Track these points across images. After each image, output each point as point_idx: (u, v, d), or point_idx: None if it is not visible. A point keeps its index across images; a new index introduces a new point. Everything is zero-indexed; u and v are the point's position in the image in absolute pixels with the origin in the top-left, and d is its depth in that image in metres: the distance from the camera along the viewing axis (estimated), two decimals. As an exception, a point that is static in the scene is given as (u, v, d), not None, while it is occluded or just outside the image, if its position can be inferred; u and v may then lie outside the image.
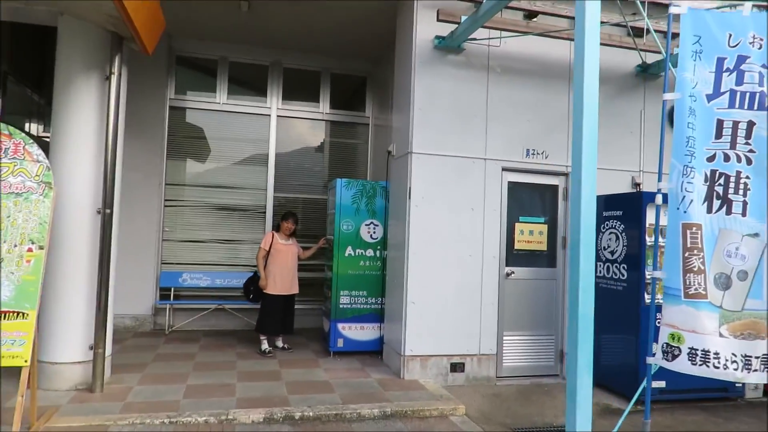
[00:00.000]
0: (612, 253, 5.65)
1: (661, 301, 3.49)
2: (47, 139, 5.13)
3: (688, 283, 3.09)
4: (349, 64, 8.36)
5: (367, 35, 7.26)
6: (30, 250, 3.82)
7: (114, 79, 4.83)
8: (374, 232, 6.51)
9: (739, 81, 3.15)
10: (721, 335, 3.00)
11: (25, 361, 3.70)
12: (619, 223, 5.60)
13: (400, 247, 5.81)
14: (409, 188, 5.65)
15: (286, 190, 8.25)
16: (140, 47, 5.03)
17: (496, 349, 5.83)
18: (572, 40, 5.90)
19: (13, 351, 3.69)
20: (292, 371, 5.68)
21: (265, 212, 8.09)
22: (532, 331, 6.04)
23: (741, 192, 3.09)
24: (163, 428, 4.14)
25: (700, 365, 3.00)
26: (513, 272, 5.98)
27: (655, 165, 6.33)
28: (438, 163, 5.72)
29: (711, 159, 3.19)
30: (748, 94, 3.14)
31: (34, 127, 7.93)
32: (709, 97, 3.20)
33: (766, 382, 3.27)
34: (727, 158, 3.15)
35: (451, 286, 5.70)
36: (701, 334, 3.04)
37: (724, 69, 3.16)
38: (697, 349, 3.03)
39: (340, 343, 6.35)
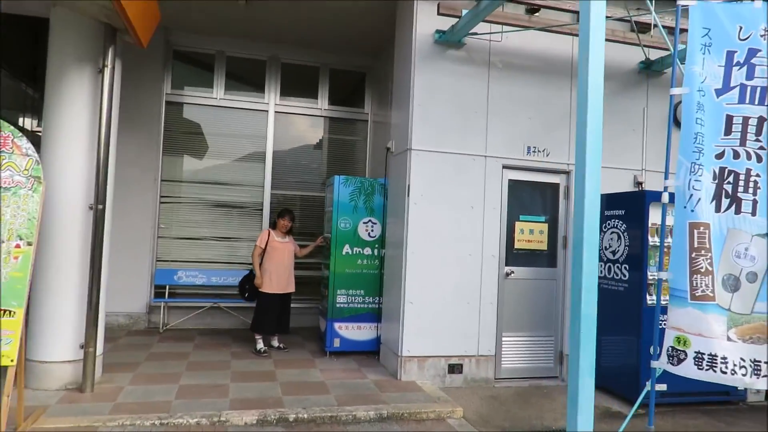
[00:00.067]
0: (613, 253, 5.55)
1: (666, 303, 3.40)
2: (41, 134, 5.02)
3: (694, 284, 2.99)
4: (349, 60, 8.25)
5: (366, 30, 7.15)
6: (18, 246, 3.72)
7: (107, 71, 4.72)
8: (372, 231, 6.41)
9: (750, 75, 3.04)
10: (729, 339, 2.90)
11: (12, 361, 3.60)
12: (621, 222, 5.51)
13: (399, 246, 5.71)
14: (408, 186, 5.55)
15: (284, 187, 8.15)
16: (134, 40, 4.93)
17: (495, 350, 5.74)
18: (575, 35, 5.85)
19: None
20: (287, 371, 5.57)
21: (262, 209, 7.99)
22: (532, 332, 5.94)
23: (751, 190, 2.99)
24: (154, 430, 4.04)
25: (707, 370, 2.90)
26: (513, 272, 5.88)
27: (658, 164, 6.25)
28: (438, 160, 5.62)
29: (720, 156, 3.09)
30: (759, 89, 3.04)
31: (28, 122, 7.82)
32: (719, 92, 3.09)
33: None
34: (736, 155, 3.05)
35: (450, 286, 5.60)
36: (708, 337, 2.94)
37: (734, 63, 3.06)
38: (704, 354, 2.93)
39: (337, 342, 6.25)
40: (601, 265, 5.66)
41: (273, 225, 6.56)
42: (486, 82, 5.83)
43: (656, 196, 5.25)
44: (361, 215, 6.38)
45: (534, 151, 5.95)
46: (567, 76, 6.06)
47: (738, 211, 3.01)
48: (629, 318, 5.25)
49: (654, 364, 3.24)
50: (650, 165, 6.28)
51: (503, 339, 5.81)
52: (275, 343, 6.53)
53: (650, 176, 6.23)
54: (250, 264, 6.57)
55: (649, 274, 5.20)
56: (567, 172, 6.07)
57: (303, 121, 8.33)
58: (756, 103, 3.04)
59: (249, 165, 8.06)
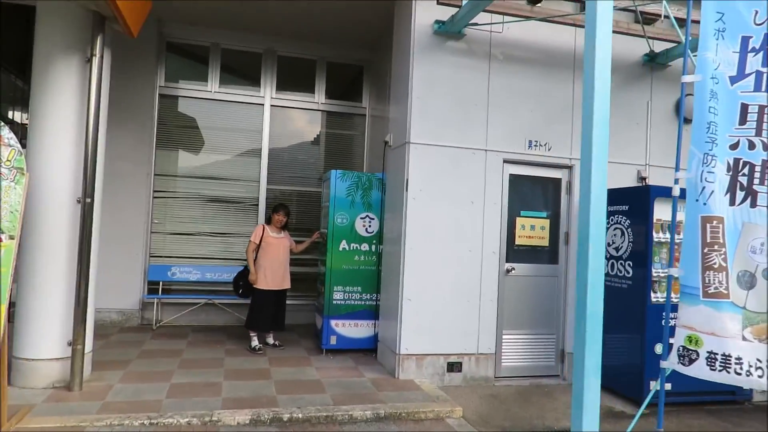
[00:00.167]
0: (617, 249, 5.42)
1: (674, 300, 3.27)
2: (28, 124, 4.87)
3: (707, 281, 2.86)
4: (346, 53, 8.09)
5: (364, 22, 7.00)
6: (0, 240, 3.57)
7: (95, 61, 4.56)
8: (370, 226, 6.27)
9: (766, 62, 2.90)
10: (744, 339, 2.76)
11: (-7, 359, 3.46)
12: (624, 218, 5.38)
13: (397, 242, 5.57)
14: (407, 180, 5.41)
15: (280, 182, 8.00)
16: (124, 29, 4.77)
17: (495, 349, 5.61)
18: (578, 25, 5.72)
19: (-20, 348, 3.44)
20: (282, 370, 5.44)
21: (257, 205, 7.84)
22: (533, 329, 5.81)
23: (767, 182, 2.85)
24: (143, 429, 3.90)
25: (720, 371, 2.77)
26: (513, 268, 5.75)
27: (662, 158, 6.13)
28: (437, 154, 5.48)
29: (734, 146, 2.95)
30: (775, 76, 2.90)
31: (18, 115, 7.64)
32: (733, 80, 2.95)
33: None
34: (752, 146, 2.91)
35: (449, 283, 5.47)
36: (722, 337, 2.80)
37: (749, 49, 2.92)
38: (717, 353, 2.79)
39: (333, 340, 6.12)
40: (604, 262, 5.52)
41: (268, 220, 6.42)
42: (486, 74, 5.69)
43: (661, 191, 5.14)
44: (359, 210, 6.24)
45: (535, 145, 5.82)
46: (569, 68, 5.92)
47: (753, 204, 2.87)
48: (633, 316, 5.13)
49: (663, 364, 3.10)
50: (654, 160, 6.15)
51: (503, 337, 5.68)
52: (270, 340, 6.39)
53: (654, 171, 6.10)
54: (245, 260, 6.42)
55: (653, 270, 5.08)
56: (569, 167, 5.93)
57: (299, 115, 8.18)
58: (772, 90, 2.91)
59: (244, 159, 7.91)
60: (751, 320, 2.79)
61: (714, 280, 2.84)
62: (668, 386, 4.95)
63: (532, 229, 5.87)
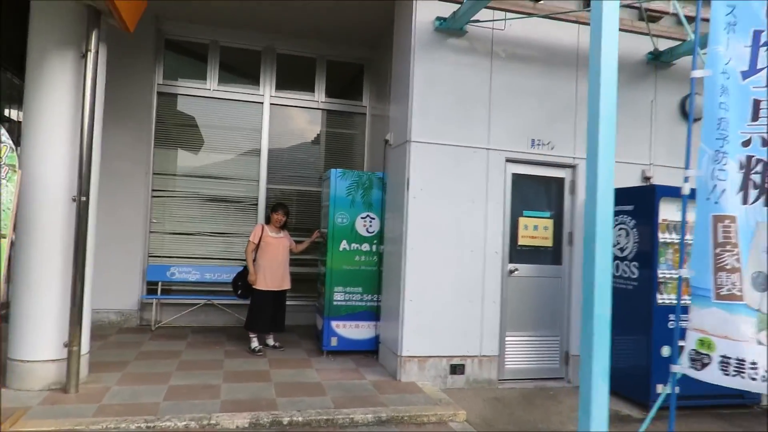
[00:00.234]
0: (621, 250, 5.34)
1: (679, 302, 3.19)
2: (22, 121, 4.80)
3: (719, 282, 2.77)
4: (346, 51, 8.01)
5: (364, 19, 6.91)
6: (-8, 239, 3.49)
7: (91, 56, 4.49)
8: (370, 226, 6.19)
9: (779, 56, 2.82)
10: (759, 342, 2.68)
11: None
12: (629, 218, 5.29)
13: (398, 242, 5.49)
14: (408, 179, 5.33)
15: (280, 181, 7.92)
16: (119, 23, 4.68)
17: (498, 350, 5.53)
18: (581, 23, 5.64)
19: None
20: (282, 371, 5.36)
21: (257, 204, 7.76)
22: (536, 331, 5.73)
23: (782, 181, 2.77)
24: (139, 434, 3.82)
25: (734, 376, 2.68)
26: (516, 269, 5.67)
27: (667, 158, 6.06)
28: (438, 153, 5.40)
29: (746, 144, 2.86)
30: (789, 72, 2.81)
31: (15, 113, 7.57)
32: (745, 75, 2.87)
33: None
34: (765, 143, 2.83)
35: (451, 283, 5.39)
36: (736, 340, 2.71)
37: (761, 43, 2.83)
38: (731, 358, 2.70)
39: (334, 341, 6.03)
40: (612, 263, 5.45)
41: (267, 220, 6.34)
42: (488, 72, 5.61)
43: (667, 191, 5.06)
44: (359, 210, 6.15)
45: (538, 144, 5.74)
46: (572, 66, 5.84)
47: (768, 203, 2.80)
48: (638, 317, 5.05)
49: (674, 368, 3.02)
50: (658, 159, 6.07)
51: (507, 338, 5.60)
52: (270, 341, 6.31)
53: (659, 171, 6.02)
54: (245, 260, 6.34)
55: (659, 271, 5.00)
56: (572, 166, 5.86)
57: (299, 113, 8.10)
58: (786, 86, 2.82)
59: (244, 159, 7.84)
60: (766, 324, 2.71)
61: (727, 281, 2.75)
62: (676, 389, 4.90)
63: (535, 230, 5.79)
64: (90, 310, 4.85)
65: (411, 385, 5.14)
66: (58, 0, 4.45)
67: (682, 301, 4.93)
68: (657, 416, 3.61)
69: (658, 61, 6.05)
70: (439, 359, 5.34)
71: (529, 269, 5.73)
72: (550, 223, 5.84)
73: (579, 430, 2.92)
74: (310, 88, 8.04)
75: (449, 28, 5.40)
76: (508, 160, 5.64)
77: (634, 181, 5.94)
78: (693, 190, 3.09)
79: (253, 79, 7.84)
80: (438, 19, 5.39)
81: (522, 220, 5.73)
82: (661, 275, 5.03)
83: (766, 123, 2.82)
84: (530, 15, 5.43)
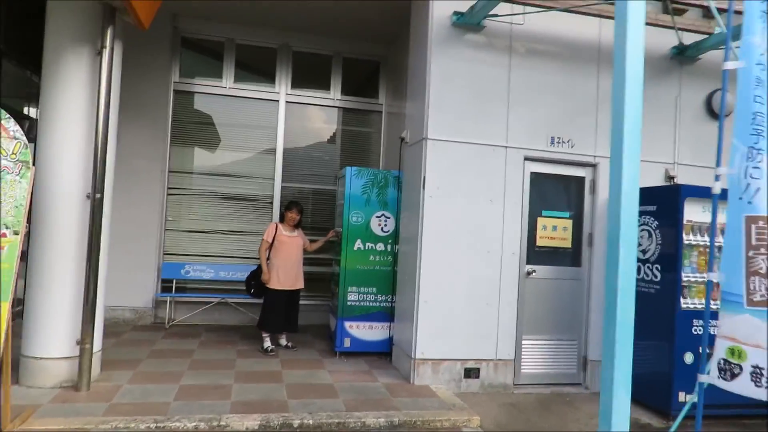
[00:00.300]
0: (644, 252, 5.17)
1: (708, 307, 3.04)
2: (38, 118, 4.79)
3: (752, 287, 2.61)
4: (362, 48, 7.93)
5: (380, 15, 6.80)
6: (4, 235, 3.48)
7: (106, 53, 4.46)
8: (385, 225, 6.09)
9: (818, 47, 2.66)
10: (795, 353, 2.53)
11: (-4, 358, 3.36)
12: (652, 219, 5.12)
13: (413, 242, 5.39)
14: (424, 178, 5.22)
15: (295, 179, 7.86)
16: (135, 20, 4.65)
17: (514, 354, 5.39)
18: (603, 16, 5.46)
19: (-17, 347, 3.35)
20: (294, 372, 5.29)
21: (272, 202, 7.72)
22: (554, 335, 5.58)
23: (821, 180, 2.60)
24: (149, 434, 3.78)
25: (767, 388, 2.53)
26: (534, 271, 5.52)
27: (692, 156, 5.88)
28: (455, 151, 5.28)
29: (783, 140, 2.70)
30: (828, 64, 2.65)
31: (33, 111, 7.61)
32: (781, 67, 2.71)
33: None
34: (803, 139, 2.67)
35: (467, 285, 5.27)
36: (769, 349, 2.57)
37: (798, 33, 2.67)
38: (763, 368, 2.55)
39: (347, 342, 5.95)
40: (636, 266, 5.28)
41: (281, 218, 6.28)
42: (507, 68, 5.48)
43: (692, 191, 4.88)
44: (374, 209, 6.06)
45: (558, 142, 5.58)
46: (593, 61, 5.68)
47: (805, 204, 2.63)
48: (661, 322, 4.87)
49: (702, 378, 2.86)
50: (683, 158, 5.87)
51: (523, 342, 5.46)
52: (283, 341, 6.25)
53: (683, 170, 5.82)
54: (259, 259, 6.29)
55: (683, 275, 4.82)
56: (593, 165, 5.69)
57: (315, 111, 8.04)
58: (825, 79, 2.65)
59: (259, 157, 7.80)
60: (802, 332, 2.55)
61: (760, 286, 2.59)
62: (695, 397, 4.72)
63: (554, 230, 5.64)
64: (103, 307, 4.84)
65: (424, 388, 5.03)
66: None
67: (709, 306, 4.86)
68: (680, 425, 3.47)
69: (683, 55, 5.85)
70: (453, 362, 5.22)
71: (547, 271, 5.59)
72: (569, 223, 5.68)
73: (599, 440, 2.79)
74: (325, 85, 7.97)
75: (466, 23, 5.28)
76: (527, 159, 5.50)
77: (656, 180, 5.76)
78: (724, 190, 2.93)
79: (268, 77, 7.80)
80: (455, 14, 5.27)
81: (540, 221, 5.59)
82: (685, 278, 4.85)
83: (803, 118, 2.66)
84: (550, 9, 5.27)
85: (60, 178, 4.45)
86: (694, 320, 4.80)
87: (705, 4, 5.46)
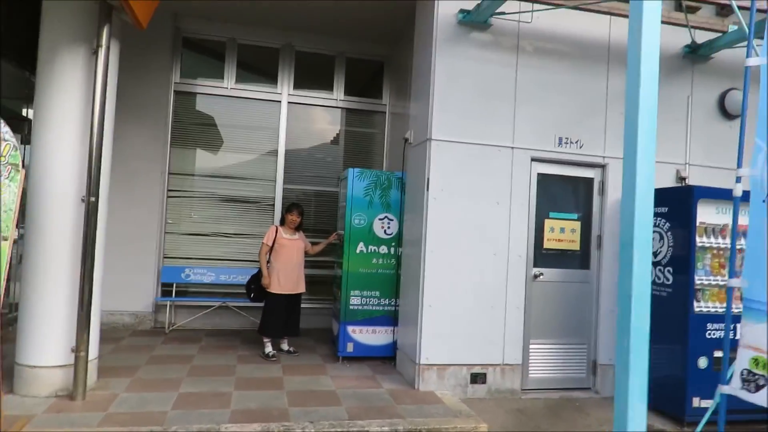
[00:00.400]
0: (655, 254, 5.03)
1: (722, 311, 2.89)
2: (32, 119, 4.69)
3: (777, 295, 2.48)
4: (366, 48, 7.80)
5: (384, 14, 6.67)
6: (-6, 240, 3.36)
7: (102, 52, 4.35)
8: (388, 227, 5.96)
9: None
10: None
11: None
12: (663, 221, 4.98)
13: (417, 244, 5.26)
14: (428, 179, 5.09)
15: (297, 181, 7.74)
16: (132, 19, 4.54)
17: (522, 359, 5.25)
18: (613, 14, 5.33)
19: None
20: (295, 378, 5.16)
21: (274, 205, 7.59)
22: (562, 339, 5.44)
23: None
24: (145, 444, 3.66)
25: (795, 400, 2.39)
26: (541, 273, 5.38)
27: (704, 157, 5.74)
28: (460, 151, 5.15)
29: (808, 139, 2.57)
30: None
31: (31, 113, 7.53)
32: (805, 62, 2.57)
33: None
34: (830, 138, 2.53)
35: (472, 288, 5.14)
36: (797, 360, 2.43)
37: (825, 26, 2.53)
38: (791, 379, 2.42)
39: (350, 347, 5.82)
40: (651, 270, 5.14)
41: (282, 221, 6.15)
42: (514, 67, 5.34)
43: (705, 192, 4.75)
44: (377, 211, 5.93)
45: (566, 143, 5.45)
46: (603, 60, 5.54)
47: (834, 206, 2.49)
48: (673, 326, 4.73)
49: (724, 389, 2.72)
50: (695, 158, 5.73)
51: (531, 346, 5.32)
52: (285, 346, 6.12)
53: (695, 171, 5.68)
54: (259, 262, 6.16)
55: (696, 278, 4.68)
56: (602, 166, 5.55)
57: (317, 112, 7.92)
58: None
59: (261, 158, 7.68)
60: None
61: (786, 293, 2.46)
62: (712, 402, 4.56)
63: (562, 232, 5.50)
64: (99, 314, 4.72)
65: (430, 394, 4.90)
66: (69, -3, 4.33)
67: (721, 310, 4.71)
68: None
69: (695, 54, 5.71)
70: (459, 368, 5.09)
71: (554, 274, 5.45)
72: (577, 225, 5.54)
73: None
74: (328, 86, 7.86)
75: (473, 21, 5.15)
76: (534, 159, 5.37)
77: (668, 181, 5.62)
78: (746, 192, 2.78)
79: (270, 78, 7.69)
80: (461, 11, 5.14)
81: (548, 222, 5.45)
82: (698, 281, 4.71)
83: (830, 115, 2.52)
84: (559, 6, 5.14)
85: (54, 180, 4.34)
86: (708, 324, 4.65)
87: (722, 1, 5.33)
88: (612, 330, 5.37)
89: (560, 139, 5.43)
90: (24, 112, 7.31)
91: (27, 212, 4.38)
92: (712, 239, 4.78)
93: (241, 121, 7.61)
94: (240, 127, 7.63)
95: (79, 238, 4.36)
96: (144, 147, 7.03)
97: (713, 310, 4.70)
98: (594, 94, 5.52)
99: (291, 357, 5.95)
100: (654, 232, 5.04)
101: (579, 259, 5.54)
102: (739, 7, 3.73)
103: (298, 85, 7.70)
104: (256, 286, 5.94)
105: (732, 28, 5.38)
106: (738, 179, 2.82)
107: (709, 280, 4.74)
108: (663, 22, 5.40)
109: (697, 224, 4.72)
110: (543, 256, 5.43)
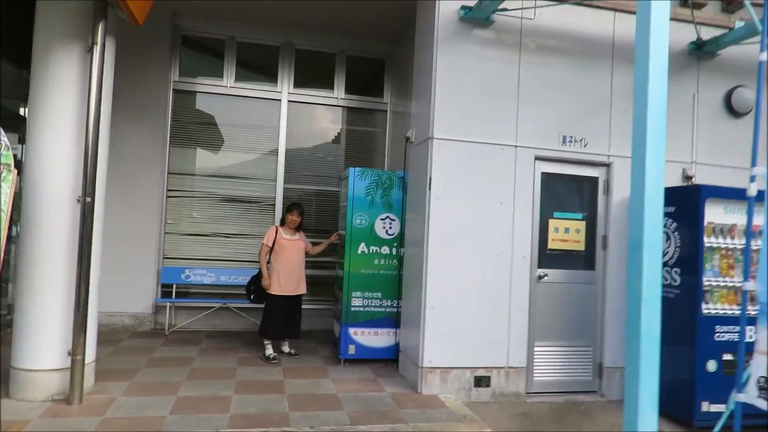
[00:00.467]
0: (662, 255, 4.92)
1: (731, 313, 2.81)
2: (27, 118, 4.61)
3: (794, 299, 2.39)
4: (366, 46, 7.71)
5: (385, 11, 6.58)
6: (-15, 243, 3.28)
7: (97, 50, 4.26)
8: (390, 228, 5.88)
9: None
10: None
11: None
12: (670, 220, 4.89)
13: (419, 245, 5.17)
14: (430, 178, 5.01)
15: (298, 181, 7.66)
16: (128, 15, 4.46)
17: (526, 362, 5.16)
18: (617, 10, 5.24)
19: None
20: (296, 382, 5.08)
21: (274, 204, 7.51)
22: (567, 341, 5.35)
23: None
24: (142, 451, 3.58)
25: (814, 409, 2.30)
26: (546, 275, 5.29)
27: (710, 156, 5.64)
28: (462, 150, 5.07)
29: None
30: None
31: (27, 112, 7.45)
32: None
33: None
34: None
35: (476, 289, 5.05)
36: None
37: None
38: (809, 387, 2.33)
39: (352, 349, 5.74)
40: (661, 272, 5.04)
41: (282, 221, 6.06)
42: (516, 64, 5.25)
43: (713, 191, 4.66)
44: (378, 211, 5.85)
45: (570, 141, 5.36)
46: (607, 57, 5.45)
47: None
48: (681, 328, 4.64)
49: (740, 397, 2.63)
50: (701, 157, 5.64)
51: (535, 349, 5.23)
52: (286, 348, 6.04)
53: (701, 169, 5.59)
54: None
55: (704, 279, 4.58)
56: (607, 165, 5.46)
57: (318, 111, 7.83)
58: None
59: (261, 157, 7.60)
60: None
61: (803, 298, 2.37)
62: (722, 407, 4.46)
63: (567, 232, 5.41)
64: (96, 316, 4.64)
65: (433, 398, 4.81)
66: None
67: (730, 312, 4.62)
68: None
69: (701, 51, 5.61)
70: (462, 371, 5.00)
71: (559, 275, 5.36)
72: (582, 225, 5.45)
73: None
74: (329, 84, 7.77)
75: (475, 17, 5.06)
76: (538, 158, 5.28)
77: (674, 180, 5.52)
78: (760, 192, 2.70)
79: (270, 76, 7.61)
80: (463, 8, 5.05)
81: (552, 222, 5.36)
82: (706, 283, 4.62)
83: None
84: (562, 2, 5.05)
85: (49, 181, 4.26)
86: (716, 326, 4.57)
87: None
88: (618, 332, 5.28)
89: (564, 137, 5.34)
90: (22, 111, 7.22)
91: (22, 213, 4.31)
92: (721, 239, 4.69)
93: (240, 120, 7.53)
94: (240, 126, 7.55)
95: (74, 239, 4.28)
96: (143, 147, 6.96)
97: (722, 312, 4.62)
98: (598, 92, 5.43)
99: (292, 359, 5.87)
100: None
101: (584, 259, 5.45)
102: (755, 4, 3.63)
103: (298, 84, 7.62)
104: (256, 287, 5.86)
105: (739, 24, 5.28)
106: (752, 178, 2.73)
107: (718, 281, 4.65)
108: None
109: (705, 224, 4.63)
110: (547, 257, 5.34)
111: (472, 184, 5.08)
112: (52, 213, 4.25)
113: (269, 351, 5.79)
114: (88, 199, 4.22)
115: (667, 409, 4.73)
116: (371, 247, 5.82)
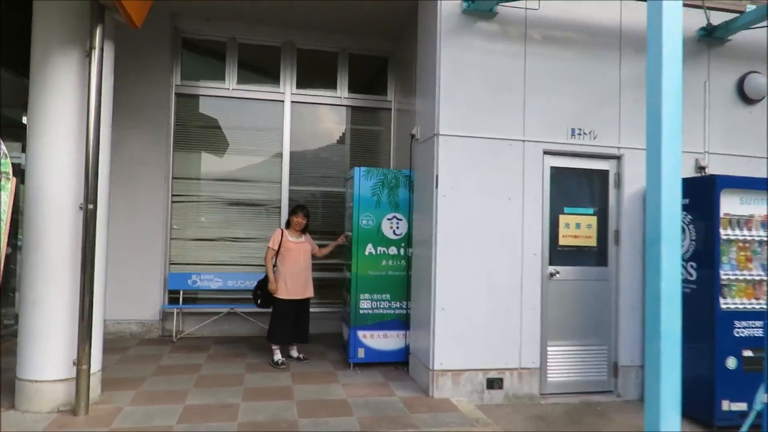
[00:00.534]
0: (677, 248, 4.79)
1: (749, 308, 2.68)
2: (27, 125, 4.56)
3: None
4: (369, 44, 7.61)
5: (387, 8, 6.47)
6: (-16, 253, 3.22)
7: (95, 54, 4.20)
8: (397, 228, 5.77)
9: None
10: None
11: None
12: (685, 213, 4.75)
13: (427, 244, 5.07)
14: (436, 176, 4.90)
15: (303, 182, 7.58)
16: (125, 19, 4.39)
17: (539, 362, 5.04)
18: (625, -1, 5.10)
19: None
20: (305, 387, 4.99)
21: (280, 207, 7.43)
22: (581, 340, 5.22)
23: None
24: (149, 462, 3.51)
25: None
26: (557, 272, 5.17)
27: (723, 145, 5.53)
28: (469, 147, 4.96)
29: None
30: None
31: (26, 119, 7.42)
32: None
33: None
34: None
35: (486, 289, 4.94)
36: None
37: None
38: None
39: (361, 353, 5.64)
40: (681, 267, 4.91)
41: (287, 224, 5.98)
42: (522, 57, 5.14)
43: (729, 182, 4.52)
44: (385, 211, 5.75)
45: (579, 134, 5.24)
46: (615, 46, 5.32)
47: None
48: (699, 324, 4.50)
49: (765, 398, 2.51)
50: (714, 147, 5.49)
51: (548, 349, 5.11)
52: (294, 353, 5.96)
53: (714, 159, 5.44)
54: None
55: (722, 272, 4.45)
56: (617, 157, 5.33)
57: (322, 111, 7.74)
58: None
59: (265, 160, 7.52)
60: None
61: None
62: (743, 406, 4.32)
63: (578, 228, 5.28)
64: (101, 325, 4.58)
65: (444, 402, 4.71)
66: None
67: (749, 306, 4.48)
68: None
69: (711, 37, 5.47)
70: (474, 373, 4.89)
71: (571, 272, 5.23)
72: (593, 220, 5.32)
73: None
74: (332, 84, 7.68)
75: (478, 10, 4.95)
76: (546, 153, 5.16)
77: (687, 171, 5.38)
78: (754, 179, 2.57)
79: (272, 77, 7.52)
80: (465, 0, 4.94)
81: (563, 218, 5.24)
82: (724, 276, 4.49)
83: None
84: (567, -8, 4.93)
85: (50, 188, 4.20)
86: (735, 321, 4.43)
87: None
88: (633, 329, 5.15)
89: (573, 130, 5.22)
90: (23, 119, 7.17)
91: (24, 221, 4.25)
92: (737, 231, 4.55)
93: (243, 122, 7.46)
94: (243, 129, 7.48)
95: (77, 247, 4.22)
96: (146, 151, 6.90)
97: (741, 306, 4.48)
98: (606, 82, 5.30)
99: (301, 364, 5.78)
100: (675, 225, 4.81)
101: (596, 255, 5.33)
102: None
103: (300, 84, 7.53)
104: (262, 291, 5.78)
105: (750, 7, 5.14)
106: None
107: (736, 274, 4.52)
108: (679, 5, 5.15)
109: (721, 216, 4.50)
110: (558, 254, 5.22)
111: (479, 180, 4.97)
112: (54, 221, 4.19)
113: (277, 356, 5.71)
114: (90, 206, 4.15)
115: (686, 409, 4.53)
116: (379, 248, 5.73)
